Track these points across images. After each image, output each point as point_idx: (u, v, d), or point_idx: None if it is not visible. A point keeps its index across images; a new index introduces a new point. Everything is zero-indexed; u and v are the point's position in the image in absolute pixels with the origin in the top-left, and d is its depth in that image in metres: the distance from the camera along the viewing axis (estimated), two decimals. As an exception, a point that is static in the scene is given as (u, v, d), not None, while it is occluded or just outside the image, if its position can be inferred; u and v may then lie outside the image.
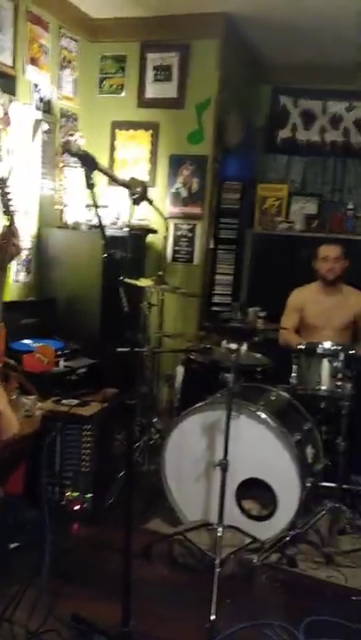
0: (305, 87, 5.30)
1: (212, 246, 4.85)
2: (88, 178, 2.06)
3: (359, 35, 4.40)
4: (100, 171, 2.15)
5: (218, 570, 2.50)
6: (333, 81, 5.17)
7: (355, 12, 4.08)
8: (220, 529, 2.66)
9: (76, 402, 3.25)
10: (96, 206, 2.11)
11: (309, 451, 3.16)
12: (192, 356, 3.61)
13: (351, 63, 4.91)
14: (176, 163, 4.73)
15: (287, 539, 2.85)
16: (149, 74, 4.72)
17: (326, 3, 4.00)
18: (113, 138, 4.85)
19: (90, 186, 2.05)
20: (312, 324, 3.80)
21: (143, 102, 4.76)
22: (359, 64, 4.89)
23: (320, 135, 5.30)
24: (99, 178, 3.88)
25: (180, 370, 3.75)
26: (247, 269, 5.04)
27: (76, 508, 3.10)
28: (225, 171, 4.85)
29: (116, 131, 4.84)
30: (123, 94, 4.80)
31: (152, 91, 4.73)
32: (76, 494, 3.12)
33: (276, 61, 5.18)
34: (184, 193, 4.73)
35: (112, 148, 4.86)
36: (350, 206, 5.01)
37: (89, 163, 2.08)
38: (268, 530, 2.91)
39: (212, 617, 2.33)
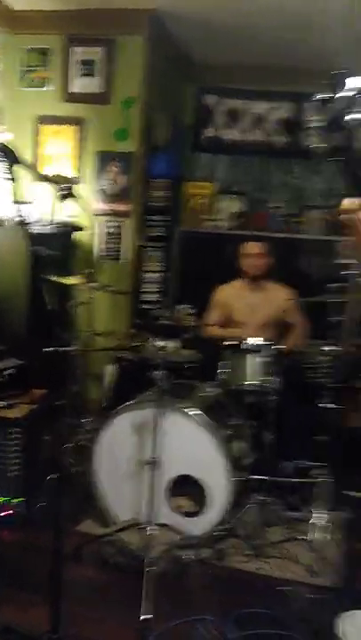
0: (230, 87, 5.35)
1: (142, 243, 4.83)
2: (8, 172, 2.00)
3: (283, 36, 4.50)
4: (22, 165, 2.10)
5: (148, 569, 2.50)
6: (258, 81, 5.25)
7: (277, 14, 4.16)
8: (150, 527, 2.65)
9: (2, 404, 3.17)
10: (18, 202, 2.05)
11: (238, 445, 3.20)
12: (122, 355, 3.59)
13: (275, 64, 5.00)
14: (103, 159, 4.67)
15: (218, 533, 2.88)
16: (74, 68, 4.63)
17: (252, 3, 4.06)
18: (37, 133, 4.74)
19: (10, 180, 1.99)
20: (237, 320, 3.86)
21: (68, 97, 4.68)
22: (283, 65, 4.99)
23: (244, 134, 5.37)
24: (24, 173, 3.78)
25: (111, 368, 3.72)
26: (175, 266, 5.06)
27: (4, 514, 3.02)
28: (153, 168, 4.84)
29: (42, 125, 4.73)
30: (46, 88, 4.70)
31: (77, 85, 4.65)
32: (4, 499, 3.04)
33: (202, 60, 5.21)
34: (111, 190, 4.68)
35: (37, 144, 4.75)
36: (274, 204, 5.12)
37: (8, 156, 2.02)
38: (199, 526, 2.93)
39: (143, 616, 2.32)
